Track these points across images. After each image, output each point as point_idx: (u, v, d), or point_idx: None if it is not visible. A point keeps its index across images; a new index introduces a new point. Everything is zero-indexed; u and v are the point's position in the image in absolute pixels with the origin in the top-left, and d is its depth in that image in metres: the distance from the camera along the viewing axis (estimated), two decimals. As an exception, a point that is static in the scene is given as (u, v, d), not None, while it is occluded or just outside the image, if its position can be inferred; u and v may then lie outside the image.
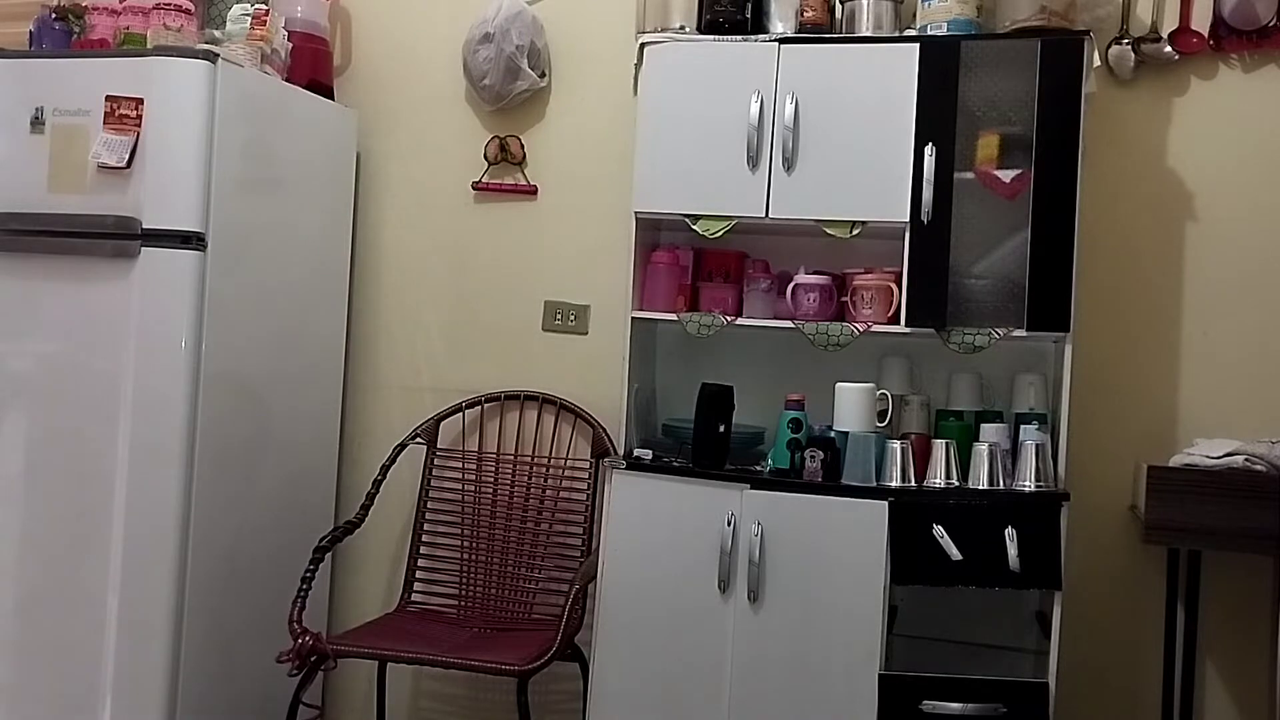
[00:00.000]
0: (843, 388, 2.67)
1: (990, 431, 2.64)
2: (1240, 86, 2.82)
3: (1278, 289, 2.79)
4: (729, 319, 2.78)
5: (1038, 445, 2.56)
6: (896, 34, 2.72)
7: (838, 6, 2.79)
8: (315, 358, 3.22)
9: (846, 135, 2.66)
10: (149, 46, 2.87)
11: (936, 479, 2.60)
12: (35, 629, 2.80)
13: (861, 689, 2.51)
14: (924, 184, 2.59)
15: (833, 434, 2.67)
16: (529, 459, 3.17)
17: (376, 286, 3.38)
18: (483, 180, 3.29)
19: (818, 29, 2.78)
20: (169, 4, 2.92)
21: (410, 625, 3.00)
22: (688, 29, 2.81)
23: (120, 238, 2.71)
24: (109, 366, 2.73)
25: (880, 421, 2.66)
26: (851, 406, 2.65)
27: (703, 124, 2.73)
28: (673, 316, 2.82)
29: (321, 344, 3.25)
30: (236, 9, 3.02)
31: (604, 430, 3.07)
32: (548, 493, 3.15)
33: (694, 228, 2.75)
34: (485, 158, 3.27)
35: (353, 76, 3.41)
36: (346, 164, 3.31)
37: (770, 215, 2.70)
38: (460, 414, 3.22)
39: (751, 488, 2.63)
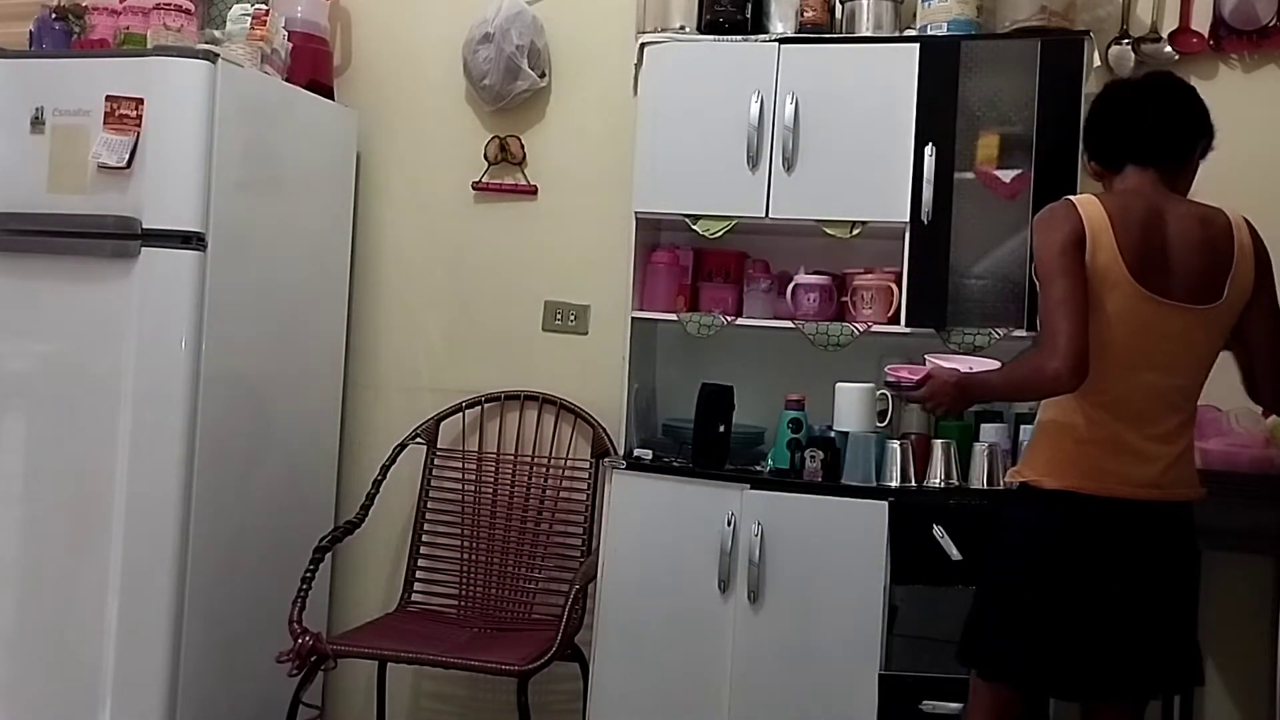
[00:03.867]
0: (843, 388, 2.67)
1: (990, 431, 2.65)
2: (1240, 86, 2.82)
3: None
4: (729, 319, 2.78)
5: (1038, 445, 2.56)
6: (896, 34, 2.72)
7: (838, 6, 2.79)
8: (315, 358, 3.22)
9: (846, 135, 2.66)
10: (149, 46, 2.87)
11: (936, 479, 2.61)
12: (35, 629, 2.81)
13: (861, 689, 2.51)
14: (924, 184, 2.59)
15: (833, 434, 2.67)
16: (529, 459, 3.17)
17: (376, 286, 3.38)
18: (483, 180, 3.29)
19: (818, 29, 2.78)
20: (169, 4, 2.92)
21: (410, 625, 3.00)
22: (688, 29, 2.81)
23: (120, 238, 2.71)
24: (109, 366, 2.73)
25: (880, 421, 2.66)
26: (851, 406, 2.65)
27: (703, 124, 2.73)
28: (673, 316, 2.82)
29: (321, 344, 3.25)
30: (236, 9, 3.02)
31: (604, 430, 3.07)
32: (548, 493, 3.14)
33: (694, 228, 2.75)
34: (485, 158, 3.27)
35: (353, 76, 3.41)
36: (346, 164, 3.31)
37: (770, 215, 2.70)
38: (460, 414, 3.21)
39: (751, 488, 2.63)
